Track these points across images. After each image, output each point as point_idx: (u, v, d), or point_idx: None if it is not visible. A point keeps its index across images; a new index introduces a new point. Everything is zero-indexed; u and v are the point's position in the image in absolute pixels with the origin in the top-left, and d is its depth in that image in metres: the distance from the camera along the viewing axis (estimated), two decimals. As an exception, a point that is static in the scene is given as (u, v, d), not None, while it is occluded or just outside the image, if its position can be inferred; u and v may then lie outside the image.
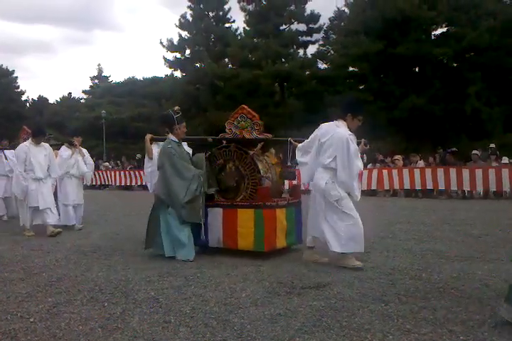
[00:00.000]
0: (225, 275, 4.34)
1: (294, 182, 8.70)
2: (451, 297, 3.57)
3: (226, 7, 31.78)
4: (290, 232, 5.33)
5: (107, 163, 24.74)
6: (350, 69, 27.00)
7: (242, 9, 29.88)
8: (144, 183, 20.16)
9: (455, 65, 24.69)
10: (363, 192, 8.89)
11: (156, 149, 5.95)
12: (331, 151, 4.58)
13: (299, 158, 4.97)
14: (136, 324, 3.09)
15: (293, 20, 29.68)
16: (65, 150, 8.02)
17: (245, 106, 5.50)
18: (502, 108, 22.76)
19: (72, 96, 53.03)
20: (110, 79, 49.09)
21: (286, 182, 9.53)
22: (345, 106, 4.87)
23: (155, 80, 41.60)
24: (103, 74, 49.41)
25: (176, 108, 5.42)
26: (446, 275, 4.22)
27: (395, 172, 14.52)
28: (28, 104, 50.59)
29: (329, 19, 29.61)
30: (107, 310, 3.37)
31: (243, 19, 30.32)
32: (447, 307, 3.33)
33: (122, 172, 21.13)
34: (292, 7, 29.41)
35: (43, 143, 7.39)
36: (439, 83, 23.20)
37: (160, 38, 43.78)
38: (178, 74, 35.31)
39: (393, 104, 23.26)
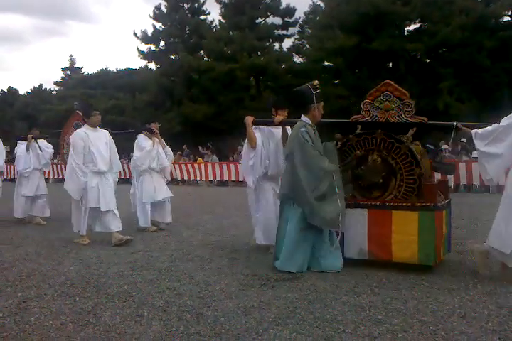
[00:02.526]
0: (199, 268, 4.33)
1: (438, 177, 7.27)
2: (421, 288, 3.65)
3: (201, -1, 31.45)
4: (446, 239, 4.44)
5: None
6: (326, 63, 27.07)
7: (218, 1, 29.58)
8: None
9: (428, 60, 25.04)
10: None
11: (259, 136, 4.87)
12: None
13: (481, 147, 3.98)
14: (108, 318, 3.05)
15: (269, 14, 29.61)
16: (145, 140, 6.74)
17: (391, 82, 4.33)
18: (473, 103, 23.24)
19: (44, 87, 51.78)
20: (83, 70, 48.04)
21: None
22: None
23: (129, 72, 40.88)
24: (75, 66, 48.30)
25: (316, 82, 4.30)
26: (416, 266, 4.29)
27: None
28: (-3, 96, 49.14)
29: (304, 13, 29.63)
30: (78, 305, 3.33)
31: (218, 11, 30.09)
32: (418, 297, 3.40)
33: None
34: (268, 0, 29.32)
35: (100, 129, 5.98)
36: (412, 78, 23.50)
37: (134, 29, 43.23)
38: (152, 66, 34.81)
39: (368, 99, 23.51)
